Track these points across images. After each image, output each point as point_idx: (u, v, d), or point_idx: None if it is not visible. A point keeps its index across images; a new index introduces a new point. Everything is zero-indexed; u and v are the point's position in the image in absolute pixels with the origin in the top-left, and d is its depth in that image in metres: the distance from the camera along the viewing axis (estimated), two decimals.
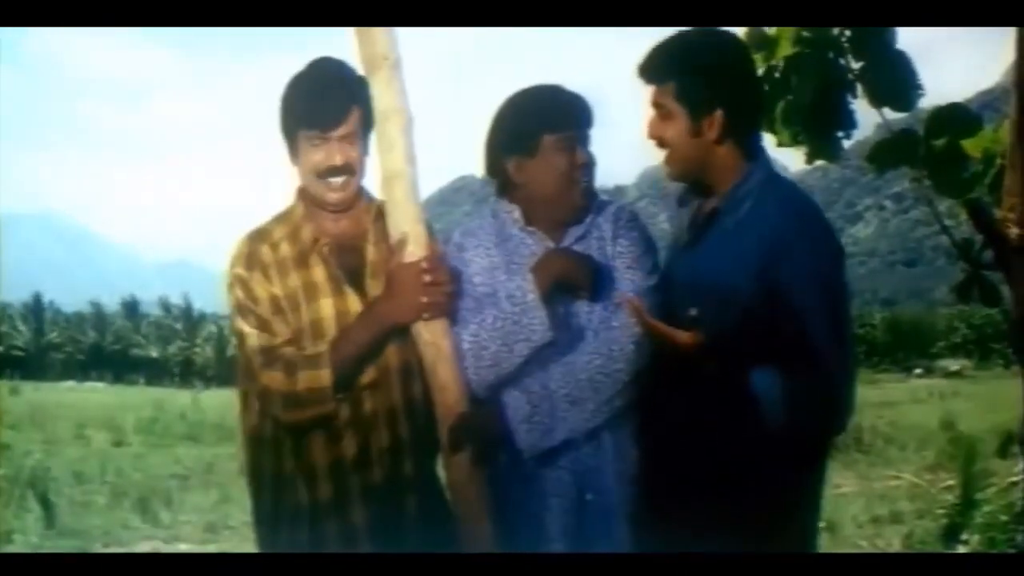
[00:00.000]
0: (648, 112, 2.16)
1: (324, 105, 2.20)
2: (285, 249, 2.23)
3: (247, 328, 2.19)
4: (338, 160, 2.20)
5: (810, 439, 2.09)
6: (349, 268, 2.23)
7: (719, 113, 2.09)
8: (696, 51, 2.13)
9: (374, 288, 2.23)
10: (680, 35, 2.16)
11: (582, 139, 2.24)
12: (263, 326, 2.18)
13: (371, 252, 2.26)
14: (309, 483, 2.20)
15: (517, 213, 2.28)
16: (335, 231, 2.26)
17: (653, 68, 2.14)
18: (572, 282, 2.18)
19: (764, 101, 2.40)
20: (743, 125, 2.14)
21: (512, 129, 2.25)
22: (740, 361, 2.00)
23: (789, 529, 2.10)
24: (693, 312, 1.97)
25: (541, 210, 2.26)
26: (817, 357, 1.98)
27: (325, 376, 2.12)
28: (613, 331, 2.16)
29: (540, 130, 2.21)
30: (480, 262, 2.27)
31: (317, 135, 2.20)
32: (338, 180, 2.22)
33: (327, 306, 2.20)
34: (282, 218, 2.29)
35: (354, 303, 2.21)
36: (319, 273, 2.22)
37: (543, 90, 2.28)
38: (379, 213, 2.27)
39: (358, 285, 2.23)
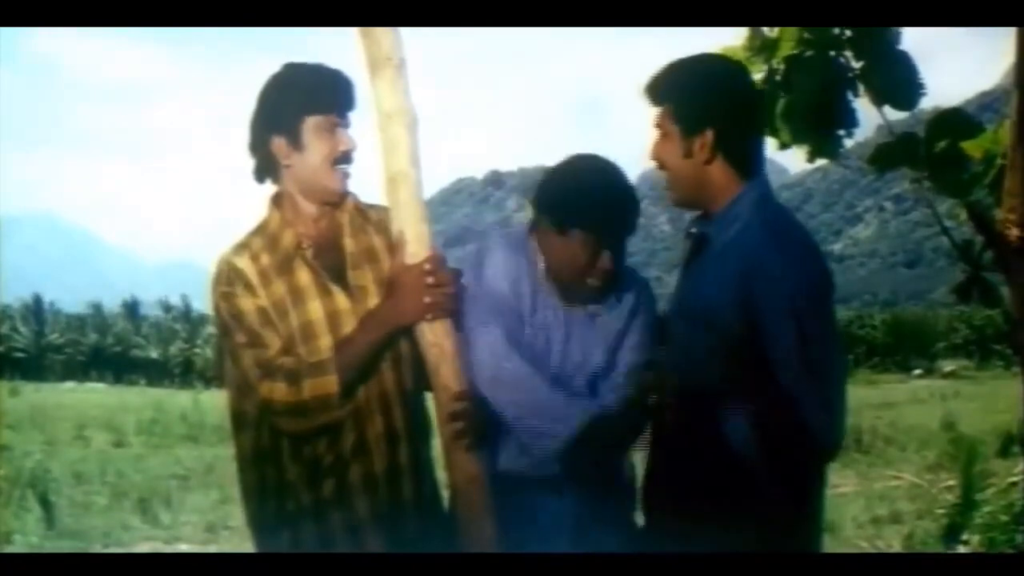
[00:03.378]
0: (653, 133, 2.20)
1: (342, 89, 2.22)
2: (265, 259, 2.21)
3: (238, 344, 2.17)
4: (353, 144, 2.22)
5: (793, 469, 2.07)
6: (331, 266, 2.23)
7: (709, 133, 2.11)
8: (689, 73, 2.16)
9: (356, 279, 2.23)
10: (679, 60, 2.19)
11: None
12: (254, 339, 2.16)
13: (349, 245, 2.26)
14: (312, 483, 2.20)
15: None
16: (315, 232, 2.25)
17: (654, 90, 2.18)
18: None
19: (760, 122, 2.42)
20: (734, 145, 2.15)
21: None
22: (708, 414, 2.03)
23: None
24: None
25: None
26: (784, 384, 1.98)
27: (332, 382, 2.11)
28: (620, 390, 2.23)
29: None
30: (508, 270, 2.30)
31: (333, 120, 2.20)
32: (346, 167, 2.24)
33: (316, 308, 2.19)
34: (258, 230, 2.27)
35: (342, 301, 2.21)
36: (304, 276, 2.21)
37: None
38: (354, 207, 2.29)
39: (342, 281, 2.23)
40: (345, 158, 2.22)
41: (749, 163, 2.17)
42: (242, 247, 2.24)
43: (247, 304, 2.17)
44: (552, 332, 2.28)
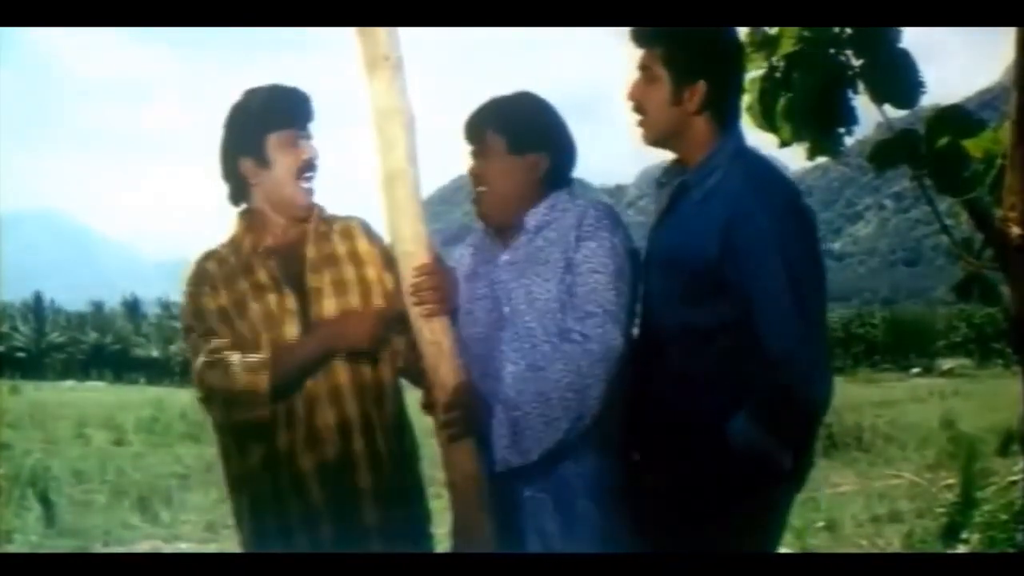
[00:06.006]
0: (633, 74, 2.19)
1: (298, 103, 2.33)
2: (232, 261, 2.36)
3: (196, 337, 2.30)
4: (314, 153, 2.33)
5: (791, 424, 2.04)
6: (290, 271, 2.33)
7: (701, 84, 2.12)
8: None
9: (312, 282, 2.33)
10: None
11: None
12: (208, 333, 2.29)
13: (311, 251, 2.35)
14: (269, 471, 2.28)
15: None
16: (280, 242, 2.36)
17: (645, 31, 2.18)
18: None
19: (743, 85, 2.46)
20: (723, 100, 2.17)
21: None
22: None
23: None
24: (636, 457, 2.13)
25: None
26: (771, 323, 1.98)
27: (263, 382, 2.19)
28: (579, 345, 2.13)
29: None
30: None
31: (294, 133, 2.32)
32: (311, 184, 2.35)
33: (273, 301, 2.30)
34: (227, 241, 2.41)
35: (290, 302, 2.30)
36: (263, 275, 2.33)
37: None
38: (319, 218, 2.39)
39: (298, 285, 2.32)
40: (309, 167, 2.34)
41: (731, 117, 2.21)
42: (211, 252, 2.39)
43: (209, 303, 2.32)
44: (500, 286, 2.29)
